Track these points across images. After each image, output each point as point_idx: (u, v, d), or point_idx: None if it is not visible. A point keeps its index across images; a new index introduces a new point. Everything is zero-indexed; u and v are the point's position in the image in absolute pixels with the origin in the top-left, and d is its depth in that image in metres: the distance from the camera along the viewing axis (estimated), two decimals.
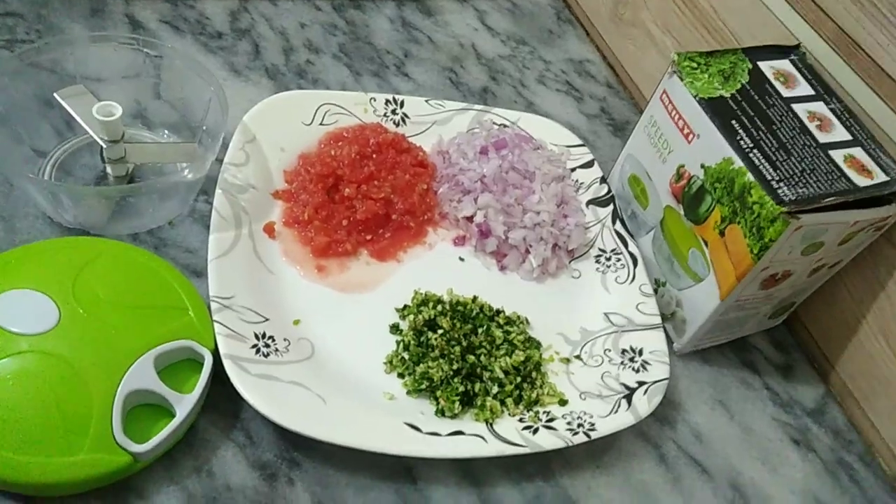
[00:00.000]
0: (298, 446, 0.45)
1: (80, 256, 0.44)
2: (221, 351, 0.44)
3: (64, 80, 0.55)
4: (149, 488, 0.42)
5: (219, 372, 0.44)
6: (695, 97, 0.51)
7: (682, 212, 0.53)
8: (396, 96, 0.64)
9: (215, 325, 0.45)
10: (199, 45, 0.68)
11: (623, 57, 0.79)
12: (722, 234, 0.50)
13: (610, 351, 0.53)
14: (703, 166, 0.51)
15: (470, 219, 0.58)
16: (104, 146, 0.51)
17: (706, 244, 0.52)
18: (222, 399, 0.45)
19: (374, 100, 0.64)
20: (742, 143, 0.49)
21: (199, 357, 0.44)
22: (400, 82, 0.71)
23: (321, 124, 0.61)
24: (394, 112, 0.64)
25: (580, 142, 0.66)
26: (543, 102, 0.74)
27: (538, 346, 0.52)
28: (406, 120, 0.64)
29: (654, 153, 0.56)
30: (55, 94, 0.53)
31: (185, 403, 0.42)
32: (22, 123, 0.54)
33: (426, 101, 0.65)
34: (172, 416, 0.42)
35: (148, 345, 0.42)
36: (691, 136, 0.52)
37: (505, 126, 0.65)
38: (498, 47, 0.79)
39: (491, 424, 0.47)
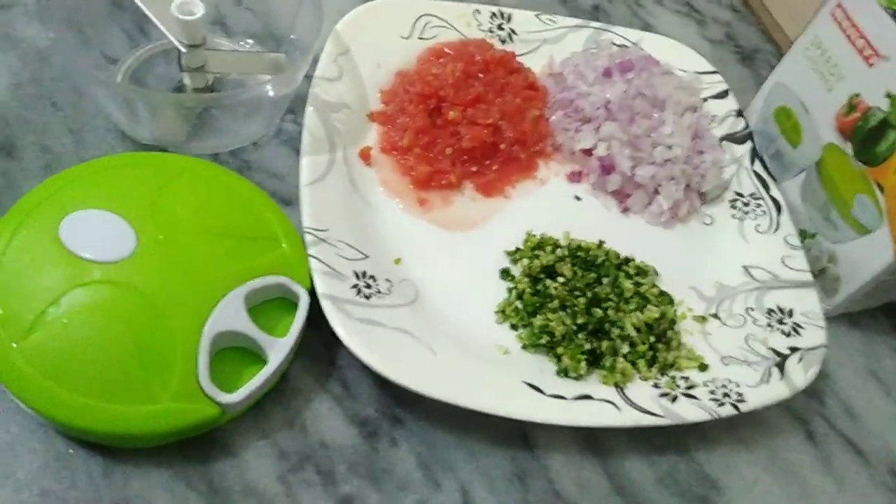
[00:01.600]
0: (402, 402, 0.39)
1: (160, 174, 0.38)
2: (319, 290, 0.38)
3: None
4: (236, 442, 0.37)
5: (313, 313, 0.38)
6: (885, 9, 0.42)
7: (850, 150, 0.45)
8: (503, 9, 0.56)
9: (311, 260, 0.39)
10: None
11: None
12: None
13: (753, 310, 0.45)
14: (888, 95, 0.42)
15: (589, 152, 0.50)
16: (183, 51, 0.45)
17: (881, 190, 0.43)
18: (315, 343, 0.40)
19: (479, 12, 0.56)
20: None
21: (292, 296, 0.38)
22: None
23: (420, 38, 0.53)
24: (500, 27, 0.56)
25: (712, 68, 0.57)
26: (661, 24, 0.65)
27: (671, 301, 0.45)
28: (513, 37, 0.56)
29: (817, 80, 0.47)
30: None
31: (278, 349, 0.36)
32: (91, 25, 0.47)
33: (536, 15, 0.57)
34: (263, 361, 0.36)
35: (237, 279, 0.36)
36: (874, 57, 0.43)
37: (625, 46, 0.57)
38: None
39: (622, 389, 0.40)
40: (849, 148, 0.45)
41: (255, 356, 0.37)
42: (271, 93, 0.43)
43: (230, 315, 0.35)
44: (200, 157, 0.45)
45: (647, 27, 0.65)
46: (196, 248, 0.36)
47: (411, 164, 0.48)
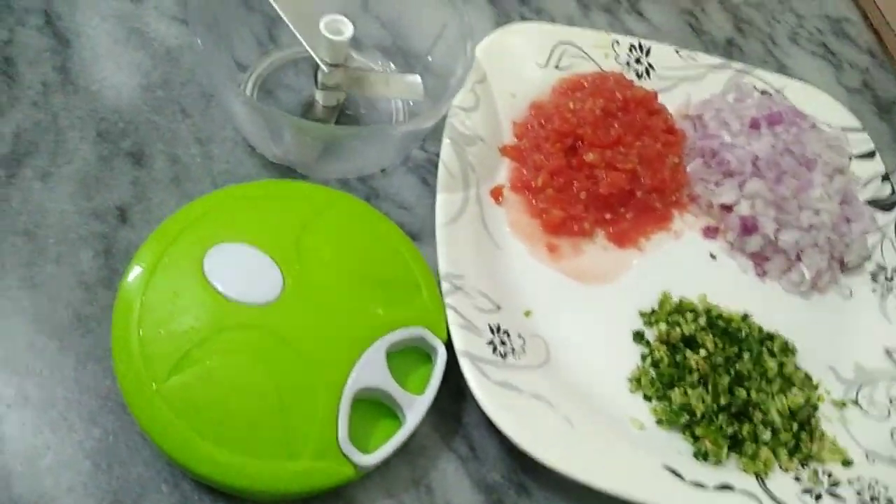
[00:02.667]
0: (529, 469, 0.37)
1: (304, 208, 0.36)
2: (457, 346, 0.36)
3: None
4: (360, 499, 0.35)
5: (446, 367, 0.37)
6: None
7: None
8: (643, 42, 0.53)
9: (448, 311, 0.37)
10: None
11: (893, 19, 0.65)
12: None
13: None
14: None
15: (729, 207, 0.48)
16: (324, 69, 0.42)
17: None
18: (442, 396, 0.38)
19: (618, 43, 0.53)
20: None
21: (427, 347, 0.36)
22: (634, 22, 0.60)
23: (557, 67, 0.51)
24: (637, 61, 0.53)
25: (859, 124, 0.53)
26: (797, 66, 0.61)
27: (814, 384, 0.42)
28: (650, 72, 0.53)
29: None
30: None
31: (416, 407, 0.34)
32: (224, 26, 0.45)
33: (676, 51, 0.54)
34: (395, 416, 0.34)
35: (380, 330, 0.34)
36: None
37: (768, 93, 0.53)
38: None
39: (763, 480, 0.38)
40: None
41: (388, 409, 0.35)
42: (423, 127, 0.40)
43: (372, 370, 0.33)
44: (327, 182, 0.43)
45: (781, 68, 0.61)
46: (341, 294, 0.35)
47: (543, 207, 0.45)
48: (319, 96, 0.45)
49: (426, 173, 0.46)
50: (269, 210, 0.36)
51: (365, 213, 0.38)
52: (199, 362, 0.32)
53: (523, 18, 0.56)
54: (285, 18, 0.43)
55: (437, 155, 0.44)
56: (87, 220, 0.40)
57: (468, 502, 0.36)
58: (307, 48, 0.42)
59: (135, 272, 0.34)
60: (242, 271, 0.34)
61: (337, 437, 0.32)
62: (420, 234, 0.44)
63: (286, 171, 0.44)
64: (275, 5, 0.43)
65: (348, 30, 0.41)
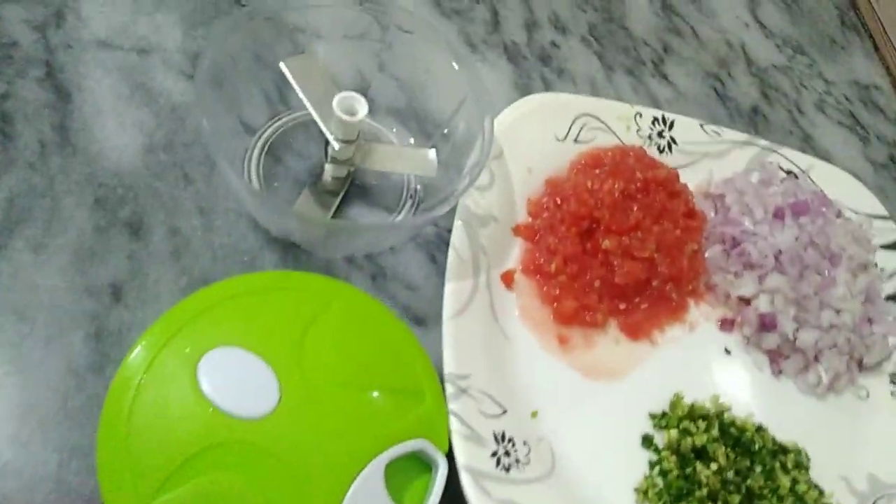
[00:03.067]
0: None
1: (307, 306, 0.35)
2: (459, 460, 0.35)
3: (280, 32, 0.45)
4: None
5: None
6: None
7: None
8: (666, 115, 0.51)
9: (452, 419, 0.36)
10: (432, 3, 0.56)
11: None
12: None
13: None
14: None
15: (747, 300, 0.46)
16: (335, 146, 0.41)
17: None
18: None
19: (641, 116, 0.51)
20: None
21: (427, 459, 0.35)
22: (658, 86, 0.58)
23: (576, 141, 0.49)
24: (660, 135, 0.51)
25: (885, 212, 0.52)
26: (823, 137, 0.60)
27: (826, 501, 0.41)
28: (672, 146, 0.51)
29: None
30: (282, 65, 0.42)
31: None
32: (234, 87, 0.43)
33: (701, 125, 0.52)
34: None
35: (379, 445, 0.33)
36: None
37: (793, 174, 0.52)
38: (772, 53, 0.63)
39: None
40: None
41: None
42: (434, 215, 0.38)
43: (370, 490, 0.32)
44: (334, 265, 0.41)
45: (807, 138, 0.59)
46: (341, 406, 0.33)
47: (556, 294, 0.43)
48: (329, 168, 0.43)
49: (435, 249, 0.45)
50: (269, 308, 0.34)
51: (370, 308, 0.36)
52: (189, 479, 0.30)
53: (544, 80, 0.55)
54: (297, 89, 0.41)
55: (448, 231, 0.42)
56: (79, 298, 0.38)
57: None
58: (319, 124, 0.40)
59: (126, 375, 0.32)
60: (238, 380, 0.32)
61: None
62: (426, 318, 0.42)
63: (290, 247, 0.42)
64: (287, 74, 0.42)
65: (362, 109, 0.39)
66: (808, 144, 0.59)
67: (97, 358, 0.37)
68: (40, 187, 0.40)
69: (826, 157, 0.58)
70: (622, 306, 0.44)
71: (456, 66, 0.43)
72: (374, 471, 0.32)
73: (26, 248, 0.38)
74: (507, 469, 0.36)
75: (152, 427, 0.31)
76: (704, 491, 0.38)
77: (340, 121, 0.39)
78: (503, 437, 0.37)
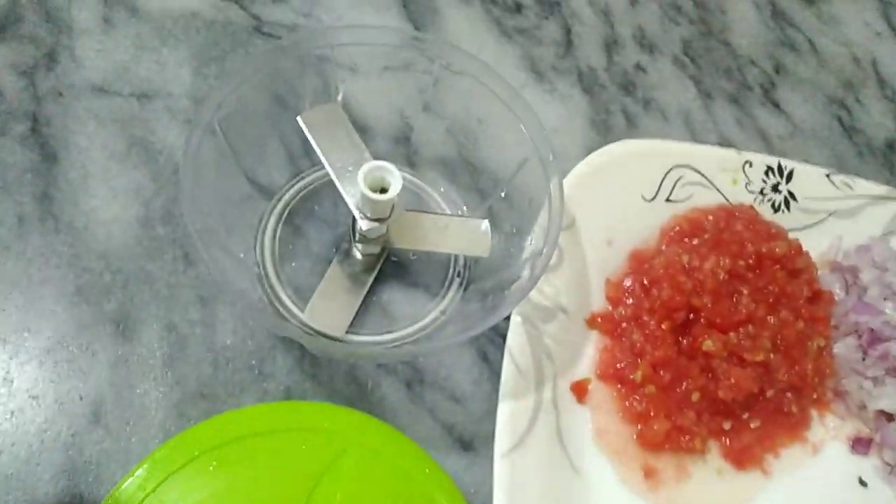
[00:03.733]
0: None
1: (316, 458, 0.27)
2: None
3: (305, 64, 0.36)
4: None
5: None
6: None
7: None
8: (783, 162, 0.41)
9: None
10: (490, 21, 0.46)
11: None
12: None
13: None
14: None
15: (889, 415, 0.36)
16: (363, 227, 0.32)
17: None
18: None
19: (751, 165, 0.40)
20: None
21: None
22: (767, 116, 0.47)
23: (668, 200, 0.39)
24: (775, 189, 0.41)
25: None
26: None
27: None
28: (790, 203, 0.41)
29: None
30: (300, 119, 0.34)
31: None
32: (247, 140, 0.35)
33: (827, 175, 0.41)
34: None
35: None
36: None
37: None
38: None
39: None
40: None
41: None
42: (489, 321, 0.30)
43: None
44: (364, 378, 0.33)
45: None
46: None
47: (642, 410, 0.34)
48: (359, 247, 0.35)
49: (487, 344, 0.36)
50: (268, 462, 0.27)
51: (395, 448, 0.28)
52: None
53: (626, 114, 0.45)
54: (317, 150, 0.33)
55: (505, 320, 0.34)
56: (53, 419, 0.31)
57: None
58: (344, 197, 0.32)
59: None
60: None
61: None
62: (474, 440, 0.33)
63: (306, 355, 0.34)
64: (305, 131, 0.34)
65: (396, 184, 0.30)
66: None
67: (67, 500, 0.30)
68: (13, 275, 0.34)
69: None
70: (727, 426, 0.35)
71: (521, 110, 0.34)
72: None
73: None
74: None
75: None
76: None
77: (368, 200, 0.31)
78: None
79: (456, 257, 0.37)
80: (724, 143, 0.45)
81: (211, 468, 0.26)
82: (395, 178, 0.31)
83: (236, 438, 0.27)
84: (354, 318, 0.35)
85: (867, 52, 0.52)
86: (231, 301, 0.34)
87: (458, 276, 0.37)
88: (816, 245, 0.40)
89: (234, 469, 0.26)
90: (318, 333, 0.33)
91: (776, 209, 0.41)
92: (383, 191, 0.31)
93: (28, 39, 0.40)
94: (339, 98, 0.38)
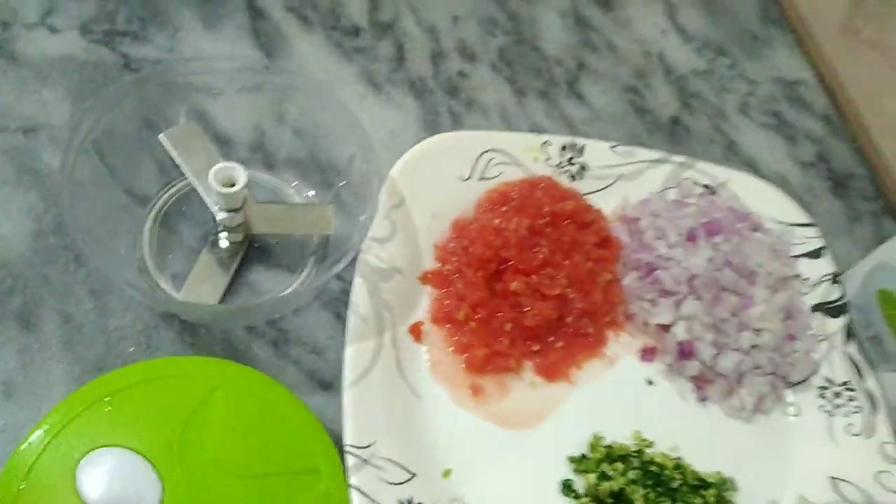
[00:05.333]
0: None
1: (189, 396, 0.34)
2: None
3: (170, 92, 0.44)
4: None
5: None
6: None
7: None
8: (576, 140, 0.50)
9: (353, 493, 0.35)
10: (332, 44, 0.55)
11: (851, 84, 0.62)
12: None
13: None
14: None
15: (666, 328, 0.45)
16: (219, 216, 0.40)
17: None
18: None
19: (549, 144, 0.50)
20: None
21: None
22: (572, 106, 0.57)
23: (481, 178, 0.48)
24: (570, 161, 0.50)
25: (808, 220, 0.51)
26: (747, 143, 0.59)
27: None
28: (584, 172, 0.50)
29: None
30: (161, 137, 0.41)
31: None
32: (121, 158, 0.42)
33: (612, 147, 0.51)
34: None
35: None
36: None
37: (710, 189, 0.51)
38: (691, 58, 0.62)
39: None
40: None
41: None
42: (317, 283, 0.38)
43: None
44: (233, 334, 0.41)
45: (730, 144, 0.58)
46: (228, 497, 0.32)
47: (466, 342, 0.43)
48: (223, 236, 0.42)
49: (342, 307, 0.44)
50: (149, 402, 0.34)
51: (260, 387, 0.36)
52: None
53: (452, 114, 0.54)
54: (178, 161, 0.40)
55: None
56: None
57: None
58: (202, 195, 0.40)
59: (6, 481, 0.31)
60: (118, 481, 0.31)
61: None
62: (334, 382, 0.41)
63: (187, 322, 0.41)
64: (167, 146, 0.41)
65: (241, 180, 0.38)
66: (731, 151, 0.58)
67: None
68: None
69: (751, 162, 0.57)
70: (536, 348, 0.44)
71: (347, 120, 0.42)
72: None
73: None
74: None
75: None
76: None
77: (220, 193, 0.38)
78: (410, 503, 0.37)
79: (310, 238, 0.45)
80: (536, 131, 0.55)
81: (107, 411, 0.33)
82: (241, 174, 0.38)
83: (126, 387, 0.34)
84: (225, 297, 0.42)
85: (656, 47, 0.63)
86: (118, 289, 0.41)
87: (313, 254, 0.45)
88: (609, 204, 0.50)
89: (124, 410, 0.33)
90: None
91: (573, 178, 0.50)
92: (232, 185, 0.38)
93: None
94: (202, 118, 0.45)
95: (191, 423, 0.33)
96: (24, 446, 0.32)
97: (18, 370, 0.38)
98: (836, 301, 0.48)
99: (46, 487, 0.31)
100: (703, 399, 0.45)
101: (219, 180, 0.38)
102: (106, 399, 0.33)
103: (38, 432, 0.33)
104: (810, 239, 0.50)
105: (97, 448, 0.32)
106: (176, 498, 0.32)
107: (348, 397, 0.38)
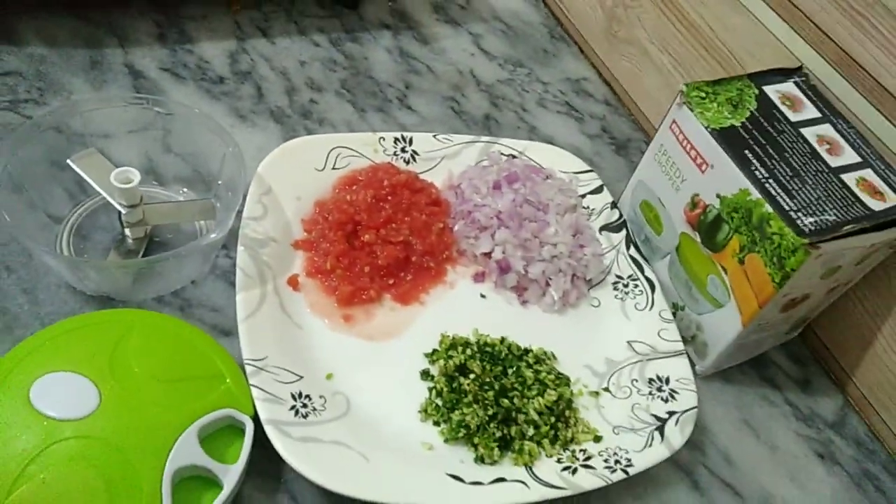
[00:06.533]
0: (342, 502, 0.45)
1: (113, 331, 0.44)
2: (262, 416, 0.45)
3: (71, 140, 0.55)
4: None
5: (258, 435, 0.44)
6: (706, 128, 0.52)
7: (698, 239, 0.54)
8: (405, 133, 0.65)
9: (252, 389, 0.46)
10: (202, 91, 0.68)
11: (620, 74, 0.80)
12: (741, 262, 0.51)
13: (637, 381, 0.54)
14: (718, 196, 0.52)
15: (488, 254, 0.59)
16: (123, 212, 0.51)
17: (725, 271, 0.52)
18: (263, 461, 0.46)
19: (384, 139, 0.64)
20: (757, 173, 0.50)
21: (239, 424, 0.44)
22: (404, 115, 0.72)
23: (334, 168, 0.61)
24: (403, 150, 0.64)
25: (588, 167, 0.66)
26: (546, 126, 0.75)
27: (568, 382, 0.53)
28: (416, 157, 0.64)
29: (667, 181, 0.57)
30: (69, 161, 0.52)
31: (231, 474, 0.42)
32: (35, 189, 0.53)
33: (434, 136, 0.65)
34: (218, 485, 0.42)
35: (190, 418, 0.42)
36: (704, 166, 0.53)
37: (513, 157, 0.66)
38: (496, 72, 0.79)
39: (531, 468, 0.48)
40: (697, 237, 0.54)
41: (211, 481, 0.42)
42: (209, 241, 0.49)
43: (187, 450, 0.41)
44: (144, 303, 0.51)
45: (532, 129, 0.74)
46: (152, 396, 0.42)
47: (335, 285, 0.55)
48: (128, 231, 0.53)
49: (233, 276, 0.55)
50: (84, 339, 0.44)
51: (169, 324, 0.46)
52: (34, 476, 0.38)
53: (308, 130, 0.67)
54: (86, 178, 0.51)
55: None
56: None
57: None
58: (108, 198, 0.51)
59: None
60: (64, 394, 0.41)
61: None
62: (232, 329, 0.52)
63: (106, 301, 0.51)
64: (76, 168, 0.52)
65: (136, 177, 0.50)
66: (534, 134, 0.74)
67: None
68: None
69: (549, 139, 0.73)
70: (391, 282, 0.56)
71: (215, 133, 0.55)
72: (189, 436, 0.42)
73: None
74: (305, 416, 0.46)
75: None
76: (469, 397, 0.50)
77: (120, 190, 0.50)
78: (300, 395, 0.47)
79: (200, 230, 0.56)
80: None
81: (50, 347, 0.43)
82: (135, 174, 0.50)
83: (63, 332, 0.44)
84: (134, 284, 0.52)
85: (466, 66, 0.79)
86: (46, 287, 0.51)
87: (199, 238, 0.56)
88: (439, 177, 0.64)
89: (64, 346, 0.43)
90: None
91: (407, 163, 0.64)
92: (129, 182, 0.50)
93: None
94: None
95: (118, 348, 0.44)
96: None
97: None
98: (615, 221, 0.63)
99: (5, 406, 0.40)
100: (524, 302, 0.58)
101: (119, 180, 0.49)
102: (50, 341, 0.43)
103: None
104: (593, 181, 0.65)
105: (44, 374, 0.42)
106: (111, 402, 0.42)
107: (242, 328, 0.49)
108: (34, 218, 0.53)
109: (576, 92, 0.80)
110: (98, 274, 0.49)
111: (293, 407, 0.46)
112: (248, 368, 0.47)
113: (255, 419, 0.45)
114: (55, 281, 0.52)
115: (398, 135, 0.64)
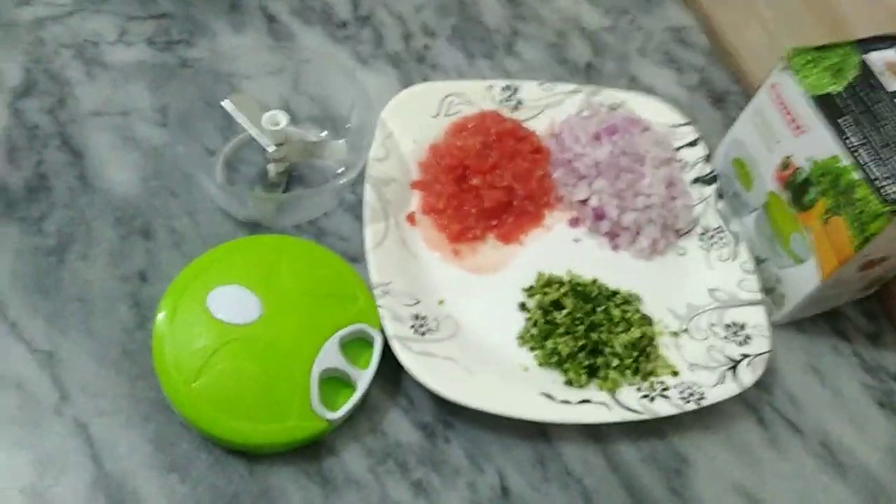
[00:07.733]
0: (452, 410, 0.54)
1: (271, 253, 0.53)
2: (388, 332, 0.53)
3: (219, 80, 0.63)
4: (338, 446, 0.51)
5: (384, 347, 0.53)
6: (805, 94, 0.55)
7: (786, 198, 0.58)
8: (511, 82, 0.69)
9: (380, 309, 0.54)
10: (328, 35, 0.74)
11: (722, 26, 0.81)
12: (825, 222, 0.55)
13: (715, 325, 0.59)
14: (809, 159, 0.55)
15: (584, 202, 0.64)
16: (269, 149, 0.59)
17: (809, 231, 0.56)
18: (387, 370, 0.54)
19: (492, 87, 0.69)
20: (848, 142, 0.53)
21: (369, 337, 0.53)
22: (510, 62, 0.76)
23: (446, 115, 0.67)
24: (508, 99, 0.69)
25: (686, 120, 0.70)
26: (645, 76, 0.78)
27: (650, 322, 0.59)
28: (520, 105, 0.69)
29: (760, 141, 0.60)
30: (224, 103, 0.60)
31: (364, 377, 0.51)
32: (195, 125, 0.61)
33: (539, 84, 0.70)
34: (352, 387, 0.51)
35: (332, 329, 0.51)
36: (799, 130, 0.56)
37: (613, 108, 0.70)
38: (600, 19, 0.82)
39: (613, 393, 0.55)
40: (785, 196, 0.58)
41: (346, 383, 0.51)
42: (343, 181, 0.57)
43: (330, 355, 0.50)
44: (286, 232, 0.60)
45: (632, 79, 0.77)
46: (303, 308, 0.51)
47: (446, 223, 0.62)
48: (271, 167, 0.61)
49: (358, 211, 0.62)
50: (246, 258, 0.53)
51: (313, 250, 0.55)
52: (213, 367, 0.48)
53: (423, 76, 0.73)
54: (236, 118, 0.59)
55: None
56: (118, 284, 0.56)
57: (410, 437, 0.53)
58: (256, 137, 0.59)
59: (161, 317, 0.50)
60: (234, 304, 0.50)
61: (311, 403, 0.48)
62: (357, 256, 0.60)
63: (254, 227, 0.60)
64: (229, 109, 0.60)
65: (284, 120, 0.57)
66: (634, 83, 0.77)
67: (139, 319, 0.54)
68: (77, 219, 0.58)
69: (649, 90, 0.76)
70: (494, 223, 0.63)
71: (346, 79, 0.62)
72: (332, 343, 0.51)
73: (77, 258, 0.57)
74: (423, 334, 0.54)
75: (184, 342, 0.49)
76: (562, 329, 0.56)
77: (270, 131, 0.57)
78: (418, 316, 0.55)
79: (331, 166, 0.64)
80: None
81: (220, 265, 0.52)
82: (284, 117, 0.57)
83: (226, 253, 0.53)
84: (277, 213, 0.61)
85: (573, 13, 0.82)
86: (205, 210, 0.60)
87: (335, 177, 0.64)
88: (541, 126, 0.69)
89: (232, 264, 0.52)
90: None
91: (513, 110, 0.69)
92: (278, 125, 0.57)
93: (44, 93, 0.64)
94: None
95: (273, 267, 0.52)
96: (168, 297, 0.51)
97: (147, 264, 0.57)
98: (708, 174, 0.67)
99: (188, 314, 0.50)
100: (615, 248, 0.64)
101: (269, 122, 0.57)
102: (218, 260, 0.52)
103: (175, 287, 0.51)
104: (689, 134, 0.69)
105: (217, 286, 0.51)
106: (271, 312, 0.51)
107: (370, 257, 0.57)
108: (196, 151, 0.61)
109: (677, 42, 0.82)
110: (253, 203, 0.57)
111: (412, 326, 0.54)
112: (376, 291, 0.55)
113: (383, 335, 0.53)
114: (211, 206, 0.61)
115: (505, 83, 0.69)
